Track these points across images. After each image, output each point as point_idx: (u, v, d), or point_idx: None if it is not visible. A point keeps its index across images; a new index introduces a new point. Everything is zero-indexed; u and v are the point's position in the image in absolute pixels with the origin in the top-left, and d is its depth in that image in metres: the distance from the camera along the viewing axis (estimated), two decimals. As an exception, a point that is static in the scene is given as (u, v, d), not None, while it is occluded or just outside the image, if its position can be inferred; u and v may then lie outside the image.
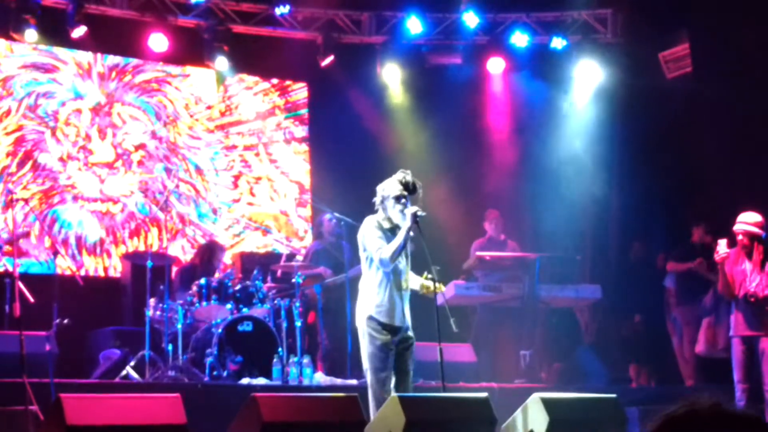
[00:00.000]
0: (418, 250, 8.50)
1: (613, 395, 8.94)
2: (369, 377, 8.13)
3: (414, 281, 8.37)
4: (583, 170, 15.52)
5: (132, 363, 11.22)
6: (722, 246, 10.11)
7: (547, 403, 8.05)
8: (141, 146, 15.03)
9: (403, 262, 8.26)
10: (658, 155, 14.96)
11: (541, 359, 13.91)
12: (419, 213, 8.09)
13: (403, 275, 8.27)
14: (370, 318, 8.16)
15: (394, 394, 7.70)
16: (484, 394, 8.12)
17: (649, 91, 15.11)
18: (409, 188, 8.23)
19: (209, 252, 13.02)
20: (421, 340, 8.48)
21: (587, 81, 15.73)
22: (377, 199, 8.34)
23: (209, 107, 15.70)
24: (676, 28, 15.02)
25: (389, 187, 8.28)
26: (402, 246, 8.10)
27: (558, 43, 15.66)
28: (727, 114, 14.03)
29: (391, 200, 8.23)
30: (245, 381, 11.04)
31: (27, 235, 11.30)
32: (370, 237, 8.24)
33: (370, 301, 8.21)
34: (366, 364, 8.17)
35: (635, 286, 14.28)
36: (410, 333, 8.29)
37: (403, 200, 8.19)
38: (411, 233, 8.15)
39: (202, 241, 14.36)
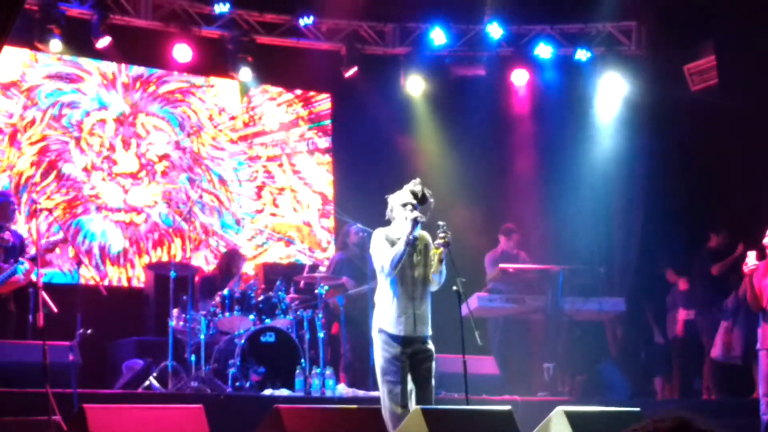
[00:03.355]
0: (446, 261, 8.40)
1: (637, 409, 8.89)
2: (381, 390, 8.05)
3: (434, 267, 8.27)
4: (607, 182, 15.48)
5: (155, 373, 11.23)
6: (751, 258, 10.05)
7: (571, 417, 8.00)
8: (165, 157, 15.06)
9: (417, 272, 8.17)
10: (682, 167, 14.90)
11: (563, 372, 13.86)
12: (420, 218, 8.00)
13: (418, 285, 8.17)
14: (380, 330, 8.07)
15: (417, 406, 7.65)
16: (507, 407, 8.09)
17: (673, 104, 15.06)
18: (419, 198, 8.13)
19: (228, 260, 13.04)
20: (445, 352, 8.43)
21: (611, 93, 15.69)
22: (388, 209, 8.29)
23: (233, 118, 15.73)
24: (701, 41, 14.97)
25: (399, 197, 8.21)
26: (402, 253, 7.97)
27: (582, 55, 15.66)
28: (753, 126, 13.96)
29: (400, 209, 8.19)
30: (268, 392, 11.03)
31: (64, 242, 11.30)
32: (376, 248, 8.18)
33: (380, 313, 8.13)
34: (379, 376, 8.10)
35: (659, 299, 14.21)
36: (428, 345, 8.12)
37: (410, 208, 8.13)
38: (414, 236, 8.03)
39: (226, 252, 14.38)
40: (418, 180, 8.25)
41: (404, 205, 8.12)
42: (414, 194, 8.15)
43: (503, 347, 13.65)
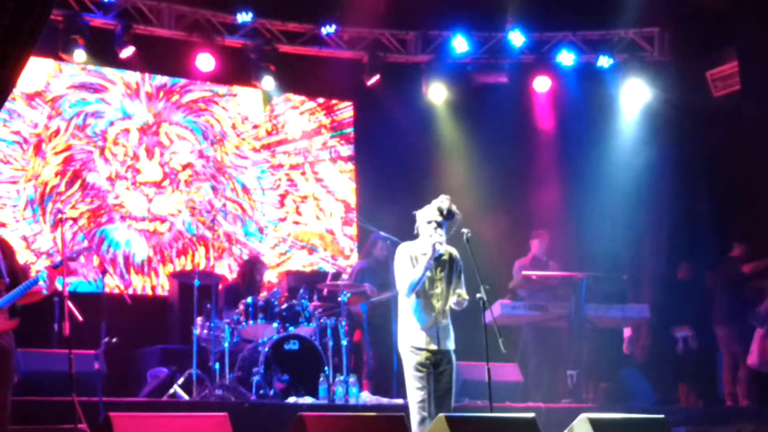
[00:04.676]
0: (468, 269, 8.42)
1: (661, 416, 8.87)
2: (409, 398, 8.14)
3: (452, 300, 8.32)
4: (630, 189, 15.43)
5: (179, 381, 11.27)
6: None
7: (595, 424, 7.99)
8: (188, 165, 15.12)
9: (438, 287, 8.21)
10: (705, 174, 14.87)
11: (587, 379, 13.83)
12: (438, 244, 8.04)
13: (441, 299, 8.22)
14: (405, 342, 8.19)
15: (441, 414, 7.66)
16: (531, 414, 8.07)
17: (696, 110, 15.02)
18: (444, 214, 8.15)
19: (250, 268, 13.04)
20: (468, 359, 8.43)
21: (634, 99, 15.66)
22: (416, 224, 8.32)
23: (256, 126, 15.77)
24: (724, 47, 14.93)
25: (426, 213, 8.24)
26: (421, 278, 8.08)
27: (604, 61, 15.63)
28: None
29: (425, 225, 8.21)
30: (292, 400, 11.05)
31: (88, 250, 11.28)
32: (398, 266, 8.26)
33: (404, 327, 8.25)
34: (407, 384, 8.19)
35: (683, 306, 14.17)
36: (451, 358, 8.22)
37: (436, 226, 8.15)
38: (435, 259, 8.08)
39: (250, 261, 14.40)
40: (446, 196, 8.25)
41: (429, 222, 8.16)
42: (440, 210, 8.17)
43: (526, 354, 13.64)
